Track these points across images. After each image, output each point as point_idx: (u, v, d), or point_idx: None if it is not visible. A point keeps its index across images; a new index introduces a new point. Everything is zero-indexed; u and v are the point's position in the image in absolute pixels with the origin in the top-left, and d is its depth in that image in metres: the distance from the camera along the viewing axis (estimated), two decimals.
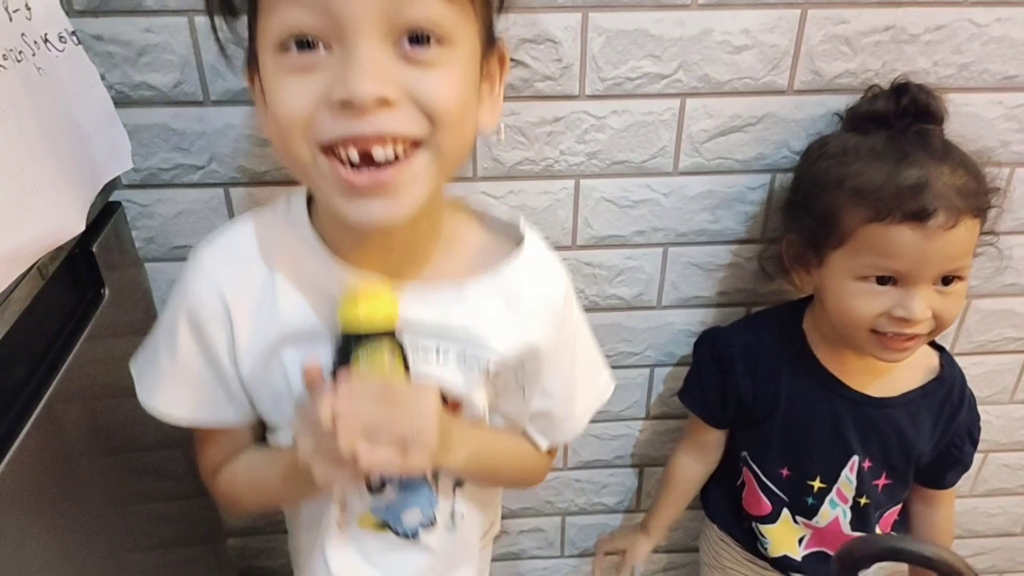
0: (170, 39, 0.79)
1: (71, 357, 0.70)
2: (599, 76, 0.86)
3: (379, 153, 0.50)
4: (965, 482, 1.05)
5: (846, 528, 0.95)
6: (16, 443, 0.59)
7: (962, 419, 0.92)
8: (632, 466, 1.19)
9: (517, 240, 0.66)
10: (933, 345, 0.93)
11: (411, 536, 0.72)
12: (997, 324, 1.08)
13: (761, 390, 0.93)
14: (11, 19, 0.57)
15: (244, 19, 0.57)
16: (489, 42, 0.56)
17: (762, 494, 0.98)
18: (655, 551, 1.13)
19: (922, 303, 0.78)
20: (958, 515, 1.13)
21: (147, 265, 0.93)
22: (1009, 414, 1.18)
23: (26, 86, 0.57)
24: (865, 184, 0.78)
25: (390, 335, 0.57)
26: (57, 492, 0.67)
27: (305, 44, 0.49)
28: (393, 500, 0.69)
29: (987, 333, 1.09)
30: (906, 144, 0.79)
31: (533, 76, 0.85)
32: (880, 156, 0.79)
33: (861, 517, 0.94)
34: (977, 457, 1.07)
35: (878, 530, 0.96)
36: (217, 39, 0.58)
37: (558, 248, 0.95)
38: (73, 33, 0.66)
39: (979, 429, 0.95)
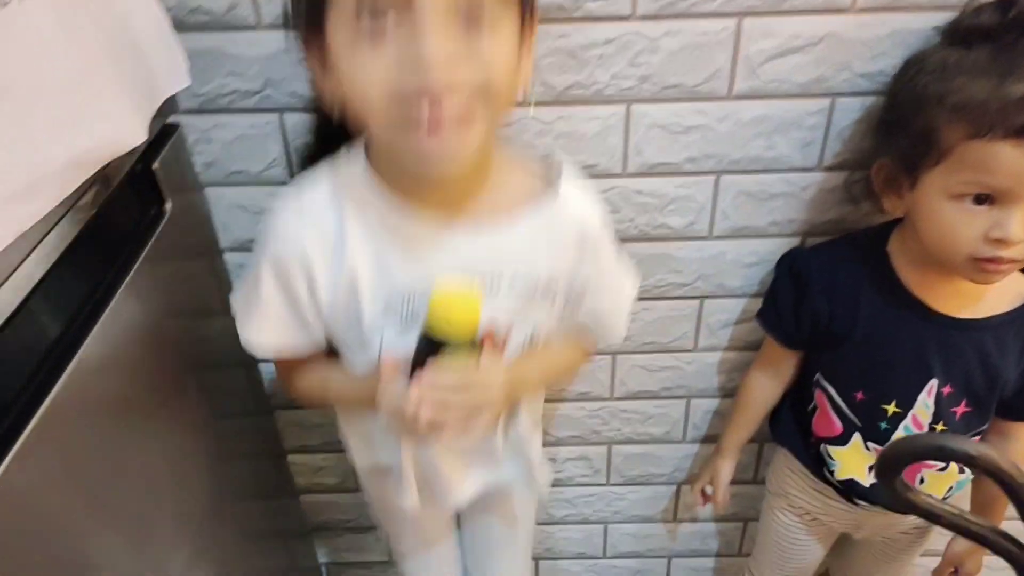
0: None
1: (133, 271, 0.72)
2: None
3: (447, 105, 0.59)
4: None
5: None
6: (80, 352, 0.62)
7: None
8: (679, 397, 1.19)
9: (556, 176, 0.74)
10: None
11: None
12: None
13: (838, 310, 0.92)
14: None
15: None
16: (525, 12, 0.64)
17: (834, 415, 0.97)
18: None
19: (1021, 223, 0.75)
20: None
21: (207, 189, 0.95)
22: None
23: (86, 1, 0.58)
24: (967, 100, 0.75)
25: (470, 340, 0.67)
26: (122, 406, 0.71)
27: (377, 12, 0.57)
28: None
29: None
30: (1013, 58, 0.75)
31: None
32: (984, 71, 0.75)
33: None
34: None
35: (953, 464, 0.93)
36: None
37: (607, 175, 0.96)
38: None
39: None
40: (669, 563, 1.42)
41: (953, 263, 0.81)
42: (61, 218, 0.61)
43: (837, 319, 0.92)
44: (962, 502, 1.04)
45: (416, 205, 0.70)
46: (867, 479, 0.97)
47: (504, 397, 0.72)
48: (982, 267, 0.79)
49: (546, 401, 1.10)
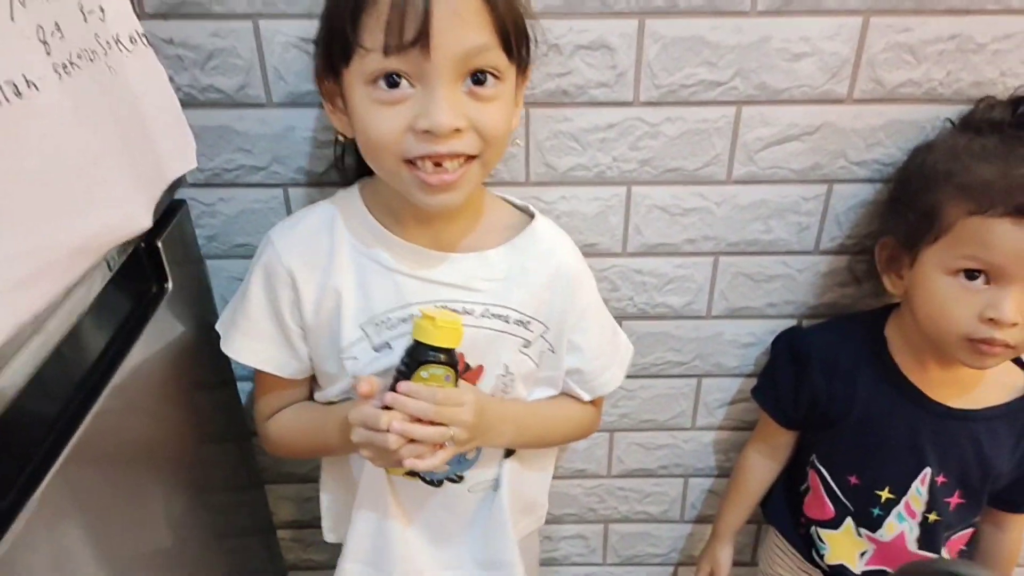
0: (236, 43, 0.82)
1: (135, 348, 0.72)
2: (654, 83, 0.86)
3: (448, 165, 0.66)
4: None
5: (912, 545, 0.92)
6: (82, 427, 0.61)
7: None
8: (677, 476, 1.18)
9: (531, 216, 0.80)
10: (1018, 363, 0.90)
11: (436, 484, 0.84)
12: None
13: (836, 391, 0.92)
14: (86, 20, 0.59)
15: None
16: (521, 70, 0.70)
17: (827, 499, 0.96)
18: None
19: (1015, 305, 0.76)
20: None
21: (208, 262, 0.96)
22: None
23: (98, 84, 0.59)
24: (973, 178, 0.76)
25: (450, 355, 0.70)
26: (117, 482, 0.69)
27: (392, 82, 0.63)
28: None
29: None
30: (1021, 146, 0.77)
31: (587, 83, 0.85)
32: (992, 155, 0.77)
33: (929, 535, 0.91)
34: None
35: (945, 552, 0.93)
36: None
37: (608, 255, 0.96)
38: (143, 35, 0.68)
39: None
40: None
41: (947, 342, 0.81)
42: (67, 297, 0.61)
43: (835, 400, 0.92)
44: None
45: (401, 234, 0.75)
46: (857, 565, 0.96)
47: (477, 424, 0.72)
48: (976, 348, 0.79)
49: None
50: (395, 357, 0.73)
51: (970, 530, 0.94)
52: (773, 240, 0.96)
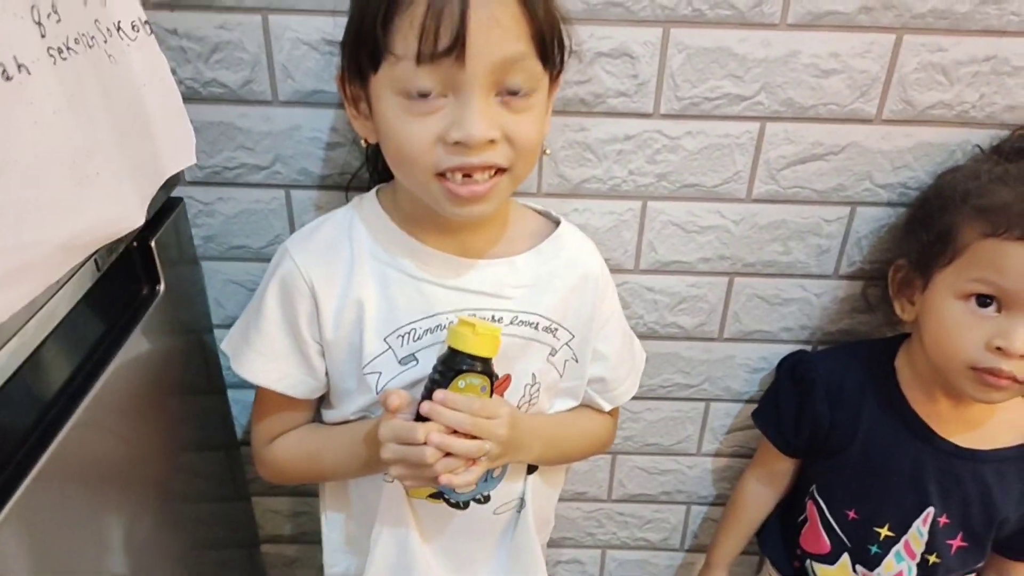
0: (243, 37, 0.79)
1: (122, 351, 0.69)
2: (676, 95, 0.83)
3: (479, 176, 0.63)
4: None
5: None
6: (61, 434, 0.58)
7: None
8: (679, 503, 1.14)
9: (556, 223, 0.78)
10: None
11: (463, 506, 0.79)
12: None
13: (839, 420, 0.89)
14: (85, 3, 0.56)
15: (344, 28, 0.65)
16: (554, 76, 0.68)
17: (824, 533, 0.93)
18: None
19: (1022, 335, 0.73)
20: None
21: (204, 264, 0.92)
22: None
23: (95, 72, 0.55)
24: (991, 201, 0.74)
25: (487, 365, 0.67)
26: (99, 486, 0.66)
27: (424, 93, 0.60)
28: None
29: None
30: None
31: (607, 92, 0.82)
32: (1014, 178, 0.75)
33: None
34: None
35: None
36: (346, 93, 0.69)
37: (619, 271, 0.93)
38: (146, 23, 0.64)
39: None
40: None
41: (953, 371, 0.78)
42: (51, 297, 0.58)
43: (838, 429, 0.89)
44: None
45: (425, 241, 0.72)
46: None
47: (511, 438, 0.69)
48: (982, 378, 0.76)
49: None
50: (421, 370, 0.70)
51: None
52: (791, 262, 0.93)
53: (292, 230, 0.90)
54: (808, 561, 0.96)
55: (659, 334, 0.99)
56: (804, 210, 0.90)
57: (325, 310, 0.71)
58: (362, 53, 0.62)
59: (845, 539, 0.91)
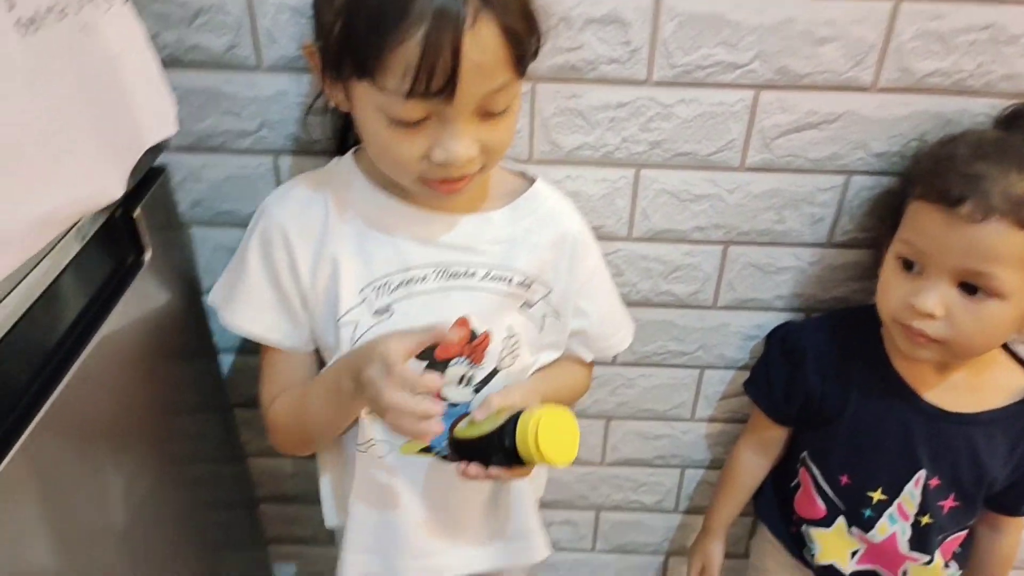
0: (225, 0, 0.77)
1: (109, 318, 0.69)
2: (669, 62, 0.81)
3: (458, 181, 0.67)
4: None
5: (904, 547, 0.90)
6: (47, 404, 0.59)
7: None
8: (673, 467, 1.15)
9: (532, 180, 0.79)
10: (1021, 363, 0.87)
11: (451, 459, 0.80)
12: None
13: (830, 389, 0.89)
14: None
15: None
16: (522, 73, 0.67)
17: (818, 497, 0.94)
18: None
19: (933, 297, 0.75)
20: None
21: (193, 230, 0.92)
22: None
23: (67, 44, 0.54)
24: (921, 166, 0.77)
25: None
26: (91, 453, 0.67)
27: (409, 123, 0.63)
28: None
29: None
30: (1005, 145, 0.74)
31: (598, 59, 0.81)
32: (956, 145, 0.75)
33: (921, 537, 0.89)
34: None
35: (938, 555, 0.91)
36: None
37: (613, 239, 0.93)
38: None
39: None
40: None
41: (888, 326, 0.82)
42: (32, 268, 0.57)
43: (828, 398, 0.90)
44: None
45: (400, 196, 0.74)
46: (848, 566, 0.94)
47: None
48: (904, 333, 0.79)
49: None
50: (394, 323, 0.72)
51: (964, 532, 0.92)
52: (785, 231, 0.92)
53: None
54: (804, 526, 0.97)
55: (653, 302, 0.98)
56: (798, 179, 0.89)
57: (301, 263, 0.73)
58: (345, 62, 0.62)
59: (839, 503, 0.92)
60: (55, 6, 0.54)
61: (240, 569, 1.12)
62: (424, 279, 0.73)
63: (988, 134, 0.79)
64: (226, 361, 1.01)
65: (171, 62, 0.79)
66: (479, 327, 0.74)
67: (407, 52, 0.57)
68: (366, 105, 0.64)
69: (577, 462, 1.13)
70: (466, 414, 0.73)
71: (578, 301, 0.80)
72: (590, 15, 0.78)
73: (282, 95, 0.83)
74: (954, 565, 0.93)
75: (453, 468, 0.78)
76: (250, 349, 1.01)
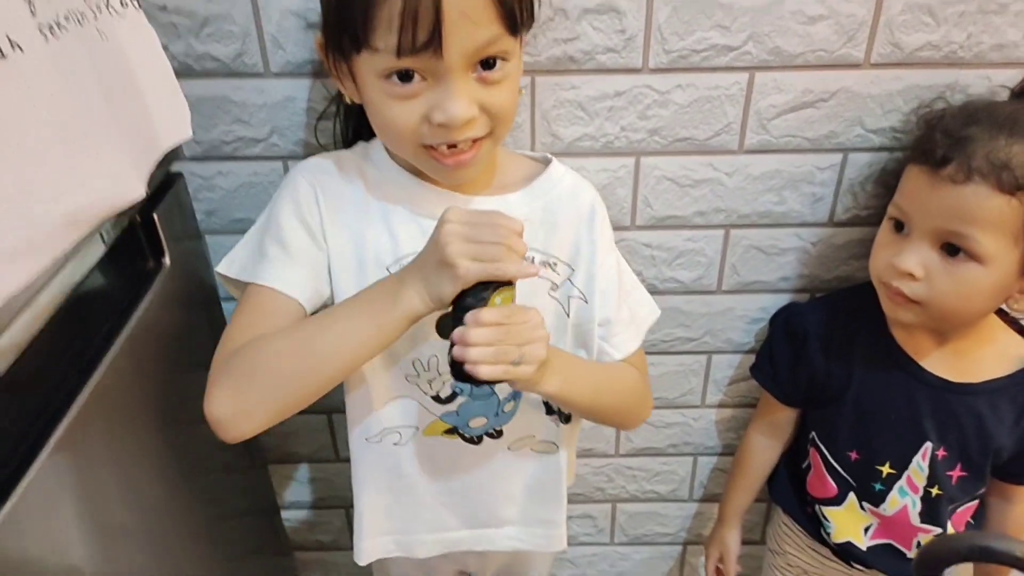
0: (231, 9, 0.80)
1: (130, 325, 0.70)
2: (664, 48, 0.83)
3: (462, 145, 0.67)
4: None
5: (915, 519, 0.91)
6: (71, 411, 0.60)
7: None
8: (686, 455, 1.16)
9: (547, 162, 0.80)
10: (1022, 333, 0.88)
11: (476, 441, 0.81)
12: None
13: (834, 368, 0.90)
14: None
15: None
16: (521, 37, 0.69)
17: (828, 476, 0.95)
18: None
19: (913, 257, 0.77)
20: None
21: (208, 238, 0.93)
22: None
23: (87, 49, 0.56)
24: (930, 129, 0.78)
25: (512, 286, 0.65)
26: (111, 461, 0.68)
27: (405, 76, 0.64)
28: (462, 407, 0.79)
29: None
30: (999, 113, 0.75)
31: (595, 48, 0.83)
32: (979, 117, 0.75)
33: (932, 509, 0.90)
34: None
35: (950, 526, 0.91)
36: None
37: (616, 228, 0.94)
38: None
39: None
40: None
41: (876, 287, 0.84)
42: (58, 271, 0.59)
43: (833, 377, 0.91)
44: None
45: (421, 179, 0.74)
46: (864, 541, 0.95)
47: (547, 357, 0.66)
48: (887, 293, 0.82)
49: None
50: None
51: (975, 503, 0.93)
52: (786, 212, 0.94)
53: None
54: (817, 506, 0.98)
55: (658, 289, 1.00)
56: (796, 159, 0.90)
57: (329, 224, 0.73)
58: (343, 39, 0.65)
59: (849, 479, 0.93)
60: (74, 12, 0.57)
61: None
62: None
63: (997, 104, 0.80)
64: None
65: (181, 72, 0.81)
66: None
67: (391, 9, 0.60)
68: (367, 80, 0.65)
69: (592, 454, 1.15)
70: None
71: (599, 283, 0.77)
72: (585, 5, 0.80)
73: (290, 101, 0.85)
74: None
75: (471, 454, 0.80)
76: None
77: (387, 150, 0.76)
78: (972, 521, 0.94)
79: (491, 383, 0.63)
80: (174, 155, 0.75)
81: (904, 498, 0.90)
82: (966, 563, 0.47)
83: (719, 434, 1.14)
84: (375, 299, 0.66)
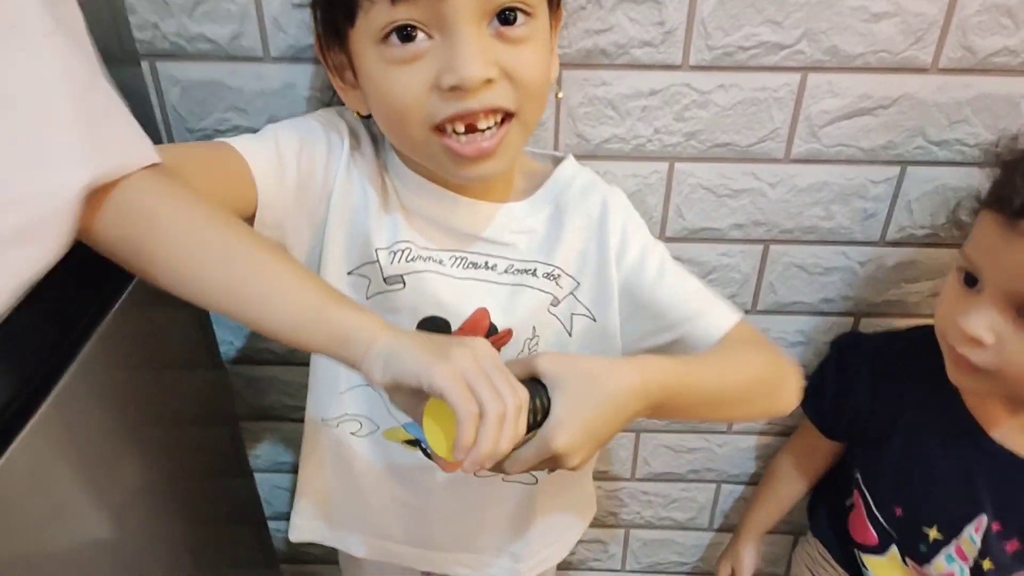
0: None
1: (109, 316, 0.64)
2: (707, 44, 0.75)
3: (483, 123, 0.57)
4: None
5: None
6: (49, 398, 0.55)
7: None
8: (708, 481, 1.09)
9: (558, 161, 0.72)
10: None
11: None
12: None
13: (880, 408, 0.83)
14: None
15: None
16: (553, 9, 0.62)
17: (871, 526, 0.87)
18: None
19: (982, 320, 0.66)
20: None
21: None
22: None
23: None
24: (1008, 169, 0.68)
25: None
26: (84, 463, 0.62)
27: (406, 36, 0.55)
28: None
29: None
30: None
31: (630, 41, 0.75)
32: None
33: None
34: None
35: None
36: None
37: None
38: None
39: None
40: None
41: (940, 345, 0.74)
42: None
43: (877, 417, 0.84)
44: None
45: (429, 179, 0.67)
46: None
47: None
48: (951, 356, 0.72)
49: None
50: (404, 298, 0.67)
51: None
52: (833, 228, 0.86)
53: None
54: (857, 551, 0.91)
55: None
56: (848, 170, 0.83)
57: (343, 173, 0.65)
58: (335, 9, 0.58)
59: (892, 533, 0.86)
60: None
61: None
62: (441, 263, 0.67)
63: None
64: (235, 371, 0.97)
65: (172, 53, 0.75)
66: (499, 323, 0.68)
67: None
68: (365, 54, 0.57)
69: (606, 477, 1.08)
70: None
71: (651, 301, 0.67)
72: None
73: (290, 88, 0.78)
74: None
75: (432, 473, 0.74)
76: (259, 360, 0.97)
77: (399, 156, 0.68)
78: None
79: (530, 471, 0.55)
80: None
81: (952, 565, 0.82)
82: None
83: (745, 462, 1.07)
84: (330, 317, 0.51)
